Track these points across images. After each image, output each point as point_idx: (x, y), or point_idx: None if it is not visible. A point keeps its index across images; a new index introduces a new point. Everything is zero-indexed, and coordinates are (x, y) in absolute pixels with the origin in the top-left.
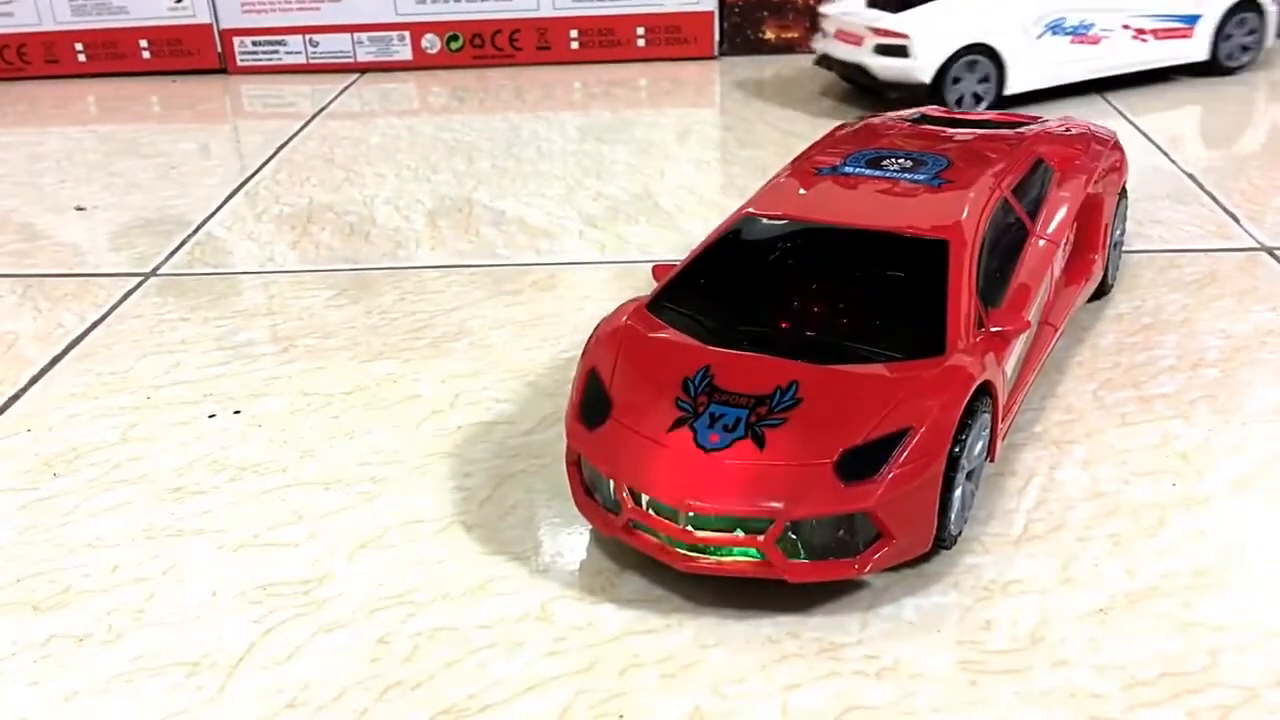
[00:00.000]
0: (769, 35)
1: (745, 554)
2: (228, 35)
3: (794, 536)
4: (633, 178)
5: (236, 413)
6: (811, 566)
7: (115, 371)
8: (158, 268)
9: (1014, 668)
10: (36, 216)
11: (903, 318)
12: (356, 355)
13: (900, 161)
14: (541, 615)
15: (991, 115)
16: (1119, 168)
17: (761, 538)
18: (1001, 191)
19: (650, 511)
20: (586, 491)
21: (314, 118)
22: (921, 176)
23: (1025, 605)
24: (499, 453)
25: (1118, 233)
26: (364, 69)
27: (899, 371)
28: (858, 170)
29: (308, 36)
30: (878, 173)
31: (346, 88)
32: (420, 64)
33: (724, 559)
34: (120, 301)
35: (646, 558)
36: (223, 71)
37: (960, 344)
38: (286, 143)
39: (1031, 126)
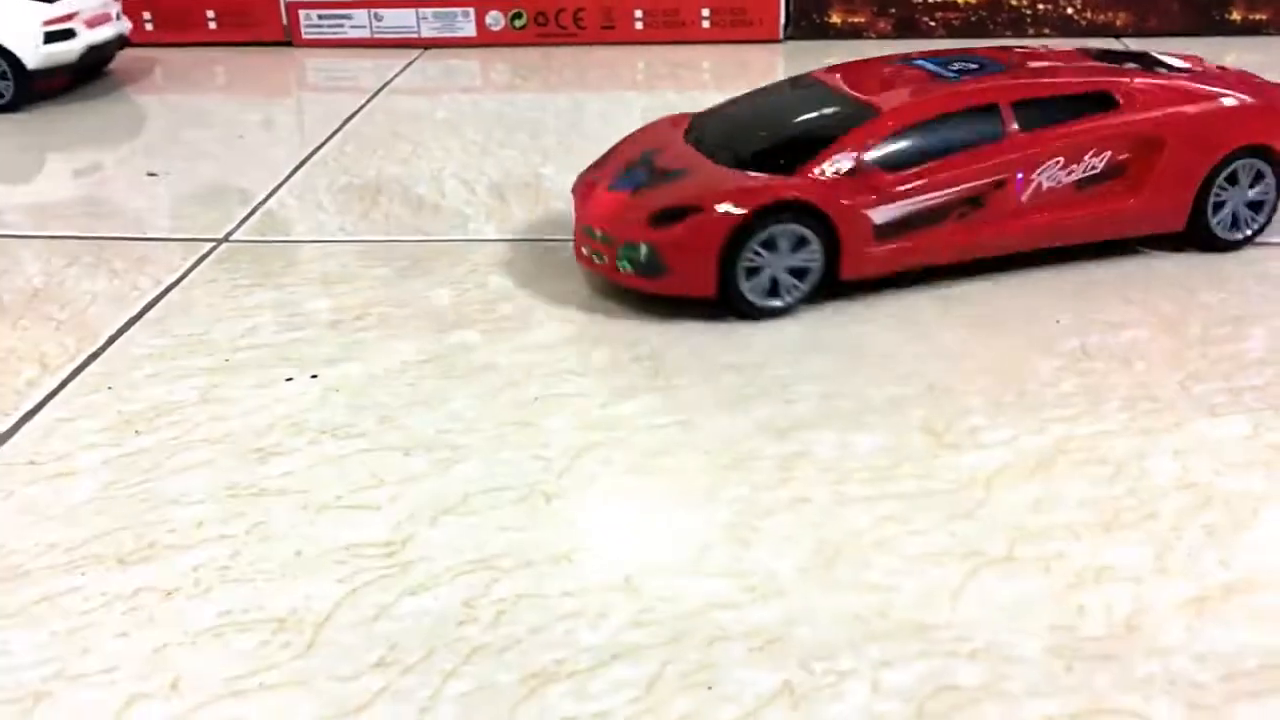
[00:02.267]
0: (835, 19)
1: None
2: (294, 8)
3: (629, 256)
4: None
5: (314, 377)
6: (632, 278)
7: (192, 333)
8: (230, 234)
9: (1110, 653)
10: (110, 181)
11: (799, 150)
12: (431, 324)
13: (963, 64)
14: (625, 586)
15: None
16: (1244, 124)
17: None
18: (990, 97)
19: (588, 236)
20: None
21: (379, 91)
22: (952, 74)
23: (1119, 592)
24: (576, 425)
25: (1232, 190)
26: (427, 45)
27: (751, 179)
28: (918, 64)
29: (372, 11)
30: (931, 67)
31: (411, 63)
32: (484, 41)
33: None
34: (194, 266)
35: (728, 531)
36: (287, 44)
37: (810, 177)
38: (353, 115)
39: (1170, 69)
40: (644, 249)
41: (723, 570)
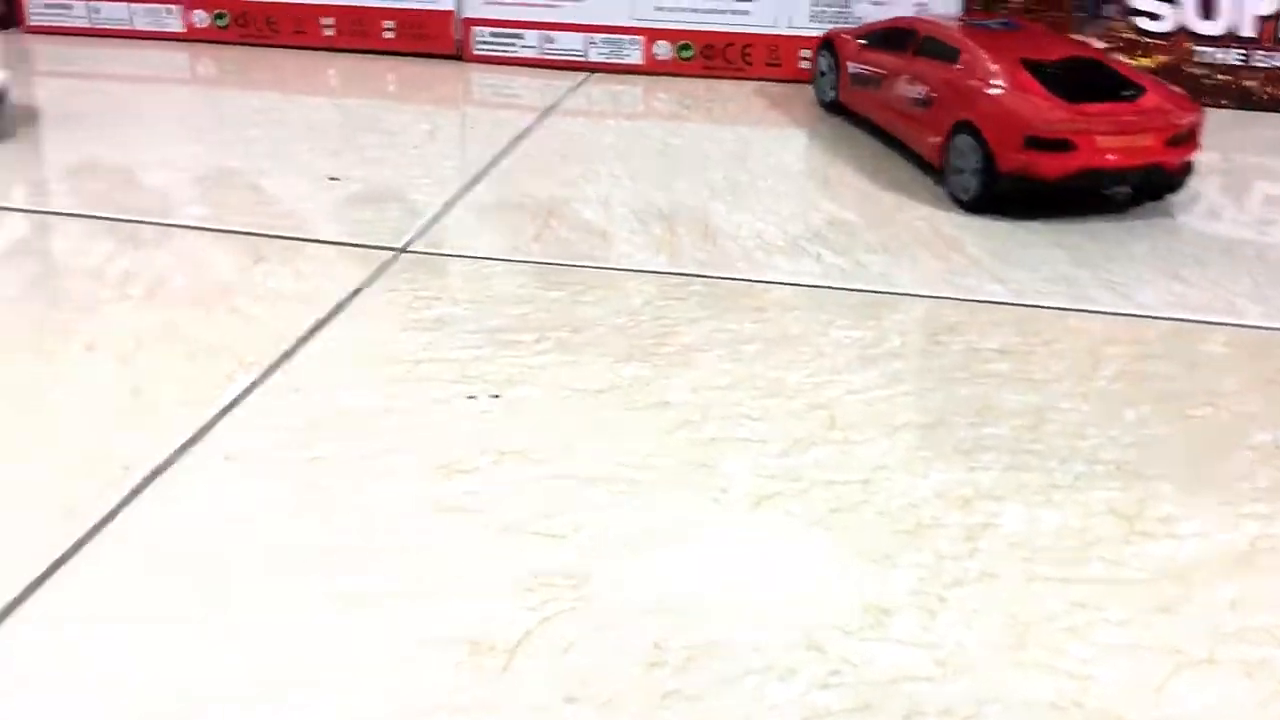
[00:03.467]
0: None
1: None
2: (468, 24)
3: None
4: (867, 203)
5: (495, 397)
6: None
7: (376, 342)
8: (409, 244)
9: None
10: (294, 184)
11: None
12: (607, 354)
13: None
14: (811, 644)
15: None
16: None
17: None
18: (913, 26)
19: None
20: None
21: (548, 112)
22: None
23: None
24: (754, 470)
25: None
26: (593, 69)
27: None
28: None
29: (544, 32)
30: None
31: (577, 86)
32: (650, 69)
33: None
34: (377, 274)
35: (913, 598)
36: (457, 58)
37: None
38: (523, 135)
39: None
40: None
41: (910, 639)
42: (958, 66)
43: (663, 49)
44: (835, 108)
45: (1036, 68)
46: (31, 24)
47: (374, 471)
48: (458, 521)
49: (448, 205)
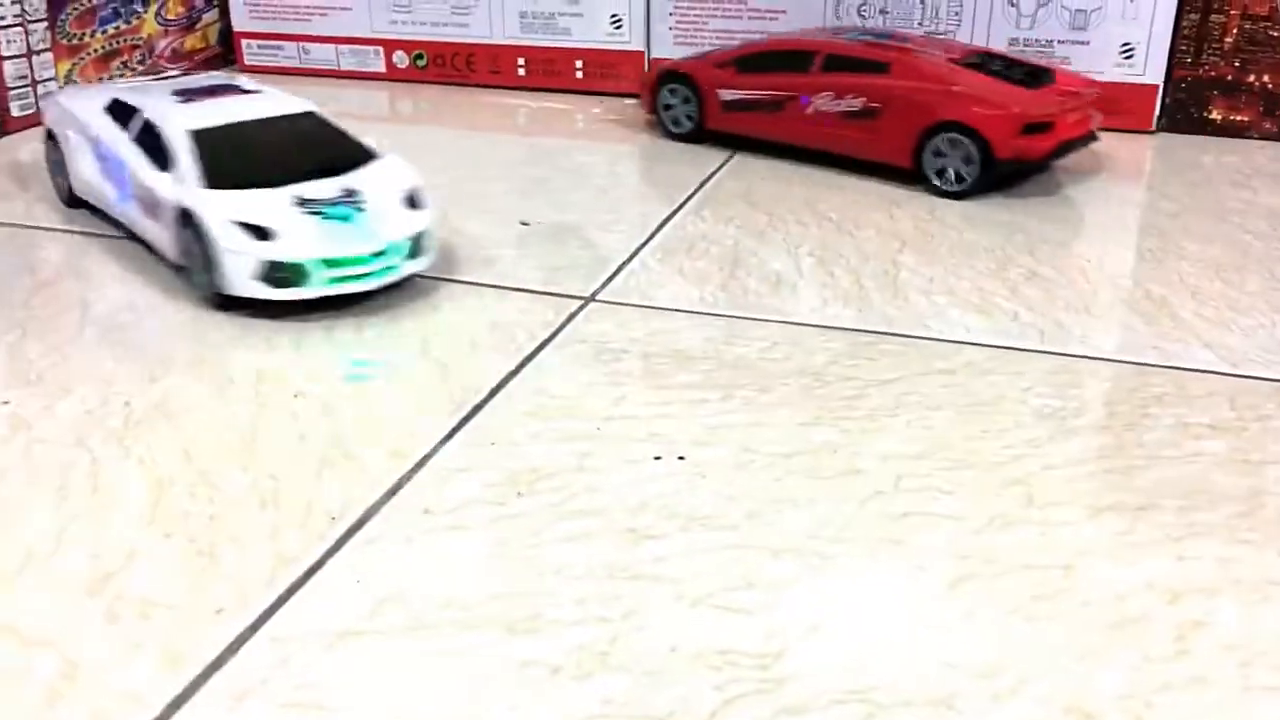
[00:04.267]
0: (1215, 115)
1: None
2: (656, 64)
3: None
4: (1066, 259)
5: (681, 458)
6: None
7: (566, 395)
8: (596, 293)
9: None
10: (488, 227)
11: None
12: (794, 415)
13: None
14: None
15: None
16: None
17: None
18: (808, 47)
19: None
20: None
21: (734, 155)
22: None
23: None
24: (950, 549)
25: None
26: None
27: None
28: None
29: None
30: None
31: None
32: None
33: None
34: (565, 324)
35: (1119, 702)
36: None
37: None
38: (708, 179)
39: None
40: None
41: None
42: (897, 77)
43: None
44: (696, 136)
45: (970, 66)
46: (248, 63)
47: (568, 533)
48: (644, 590)
49: (635, 253)
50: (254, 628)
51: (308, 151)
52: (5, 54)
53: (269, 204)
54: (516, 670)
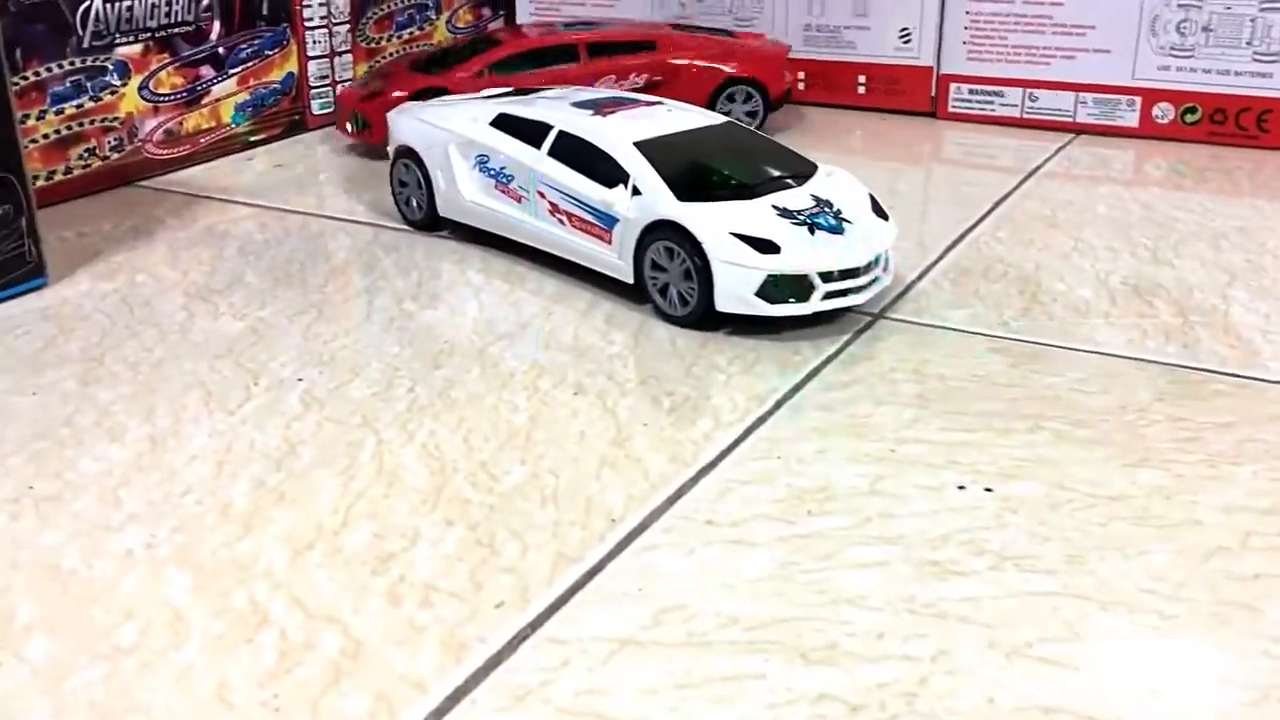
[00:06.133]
0: None
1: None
2: (945, 80)
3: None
4: None
5: (987, 490)
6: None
7: (856, 414)
8: (885, 310)
9: None
10: None
11: (455, 62)
12: (1115, 455)
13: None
14: None
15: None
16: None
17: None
18: (571, 40)
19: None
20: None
21: (1031, 175)
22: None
23: None
24: None
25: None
26: (1079, 130)
27: (416, 78)
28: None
29: (1028, 90)
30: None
31: (1061, 148)
32: (1145, 133)
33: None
34: (851, 340)
35: None
36: (931, 115)
37: (455, 77)
38: (1005, 198)
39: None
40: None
41: None
42: (665, 51)
43: (1164, 111)
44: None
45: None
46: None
47: (861, 559)
48: (955, 631)
49: (926, 271)
50: (534, 626)
51: (759, 161)
52: (310, 54)
53: (758, 215)
54: (810, 704)
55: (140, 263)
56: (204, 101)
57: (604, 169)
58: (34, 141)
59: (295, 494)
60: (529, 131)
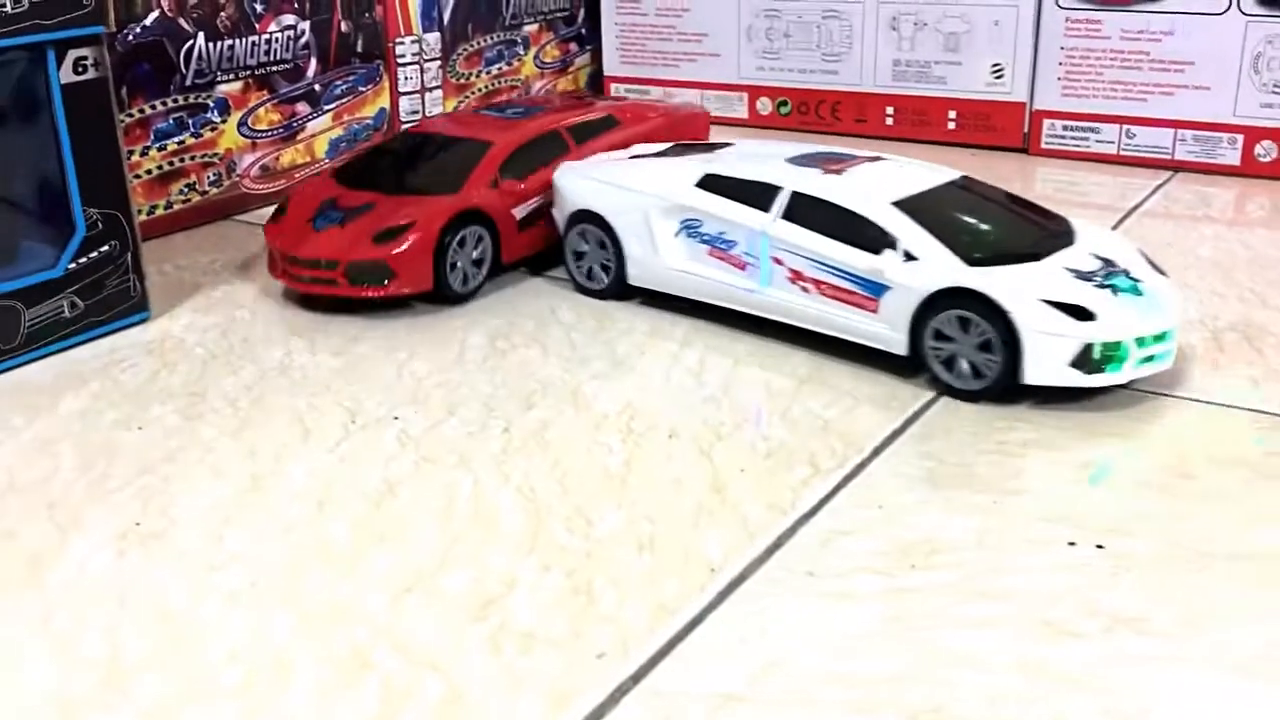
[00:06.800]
0: None
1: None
2: (1038, 116)
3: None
4: None
5: (1099, 547)
6: (357, 289)
7: (958, 463)
8: None
9: None
10: None
11: (451, 177)
12: (1228, 512)
13: (514, 110)
14: None
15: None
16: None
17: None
18: (553, 126)
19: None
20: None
21: (1130, 214)
22: (511, 115)
23: None
24: None
25: None
26: (1178, 168)
27: (426, 200)
28: (484, 112)
29: (1125, 127)
30: (493, 114)
31: (1160, 186)
32: (1246, 171)
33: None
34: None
35: None
36: (1023, 151)
37: (472, 191)
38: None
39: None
40: (369, 263)
41: None
42: (631, 124)
43: (1266, 150)
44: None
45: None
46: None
47: (971, 618)
48: (1069, 698)
49: None
50: (635, 678)
51: (1022, 218)
52: (401, 90)
53: (1057, 280)
54: None
55: (239, 297)
56: (299, 137)
57: (860, 232)
58: (137, 177)
59: (395, 534)
60: (749, 193)
